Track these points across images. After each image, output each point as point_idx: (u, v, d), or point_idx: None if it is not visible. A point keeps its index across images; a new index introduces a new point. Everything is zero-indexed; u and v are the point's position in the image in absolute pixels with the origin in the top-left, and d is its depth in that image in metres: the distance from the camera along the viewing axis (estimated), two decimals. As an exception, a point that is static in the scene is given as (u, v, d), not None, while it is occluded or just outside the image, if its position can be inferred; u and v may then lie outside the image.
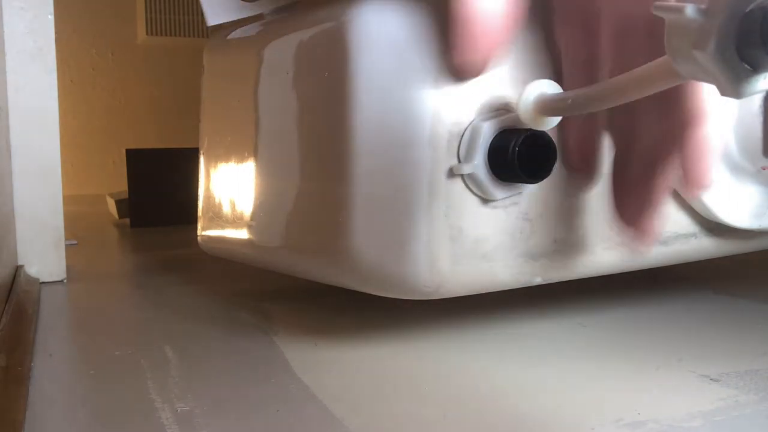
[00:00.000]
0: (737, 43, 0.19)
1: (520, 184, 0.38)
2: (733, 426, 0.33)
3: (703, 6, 0.20)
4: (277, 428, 0.34)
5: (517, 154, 0.36)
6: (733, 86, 0.20)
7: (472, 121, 0.38)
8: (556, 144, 0.37)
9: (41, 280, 0.69)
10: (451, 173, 0.38)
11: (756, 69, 0.19)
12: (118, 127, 2.20)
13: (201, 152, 0.60)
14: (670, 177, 0.33)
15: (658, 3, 0.22)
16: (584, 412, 0.35)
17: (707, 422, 0.33)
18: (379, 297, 0.44)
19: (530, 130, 0.36)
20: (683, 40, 0.21)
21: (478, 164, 0.37)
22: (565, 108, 0.33)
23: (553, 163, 0.37)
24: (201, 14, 0.58)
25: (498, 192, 0.38)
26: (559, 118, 0.35)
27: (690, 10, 0.20)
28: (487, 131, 0.37)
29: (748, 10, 0.19)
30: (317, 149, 0.44)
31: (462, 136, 0.38)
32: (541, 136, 0.36)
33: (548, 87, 0.34)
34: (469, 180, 0.38)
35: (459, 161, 0.38)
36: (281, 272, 0.52)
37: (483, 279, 0.40)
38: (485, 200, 0.39)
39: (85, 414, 0.36)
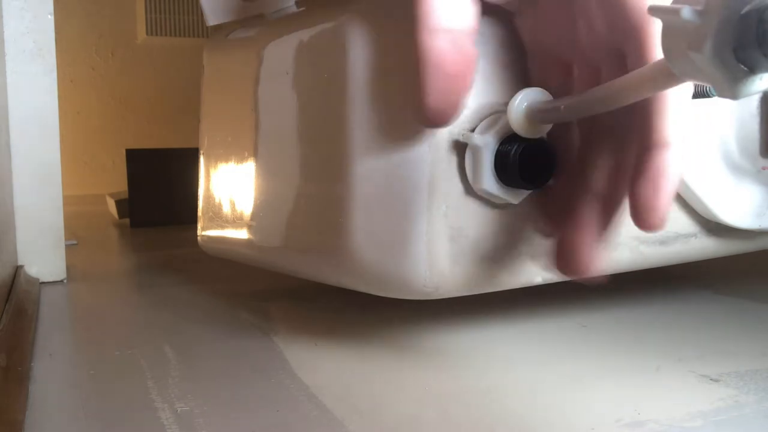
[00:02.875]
0: (733, 45, 0.19)
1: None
2: (733, 426, 0.33)
3: (699, 7, 0.20)
4: (277, 428, 0.34)
5: (517, 162, 0.35)
6: (729, 87, 0.20)
7: (473, 131, 0.37)
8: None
9: (41, 280, 0.69)
10: (472, 191, 0.38)
11: (752, 70, 0.19)
12: (118, 127, 2.20)
13: (201, 152, 0.60)
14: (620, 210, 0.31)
15: (653, 5, 0.22)
16: (584, 412, 0.35)
17: (707, 422, 0.33)
18: (379, 297, 0.44)
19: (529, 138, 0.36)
20: (679, 42, 0.21)
21: (489, 181, 0.37)
22: (558, 115, 0.33)
23: (553, 170, 0.36)
24: (201, 14, 0.58)
25: (514, 197, 0.38)
26: (549, 126, 0.35)
27: (686, 11, 0.20)
28: (488, 149, 0.36)
29: (744, 11, 0.19)
30: (317, 149, 0.44)
31: (464, 144, 0.38)
32: (541, 143, 0.36)
33: (539, 95, 0.34)
34: (485, 194, 0.38)
35: (465, 173, 0.38)
36: (281, 272, 0.52)
37: (483, 279, 0.40)
38: (485, 201, 0.39)
39: (85, 414, 0.36)
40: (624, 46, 0.29)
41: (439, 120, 0.31)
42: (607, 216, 0.32)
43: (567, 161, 0.36)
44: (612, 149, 0.32)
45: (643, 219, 0.28)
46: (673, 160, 0.28)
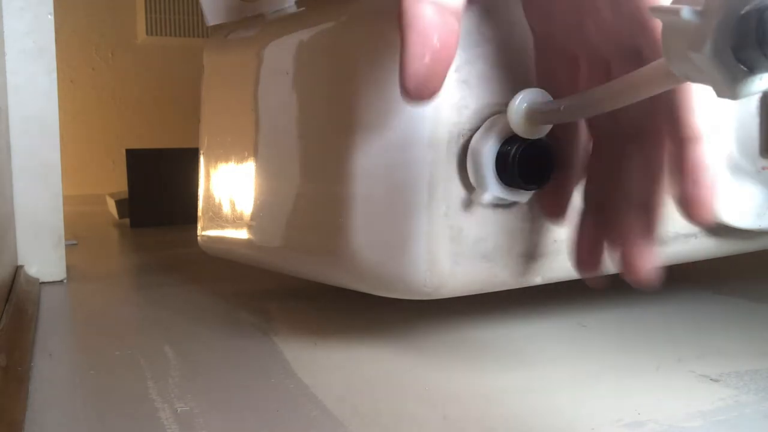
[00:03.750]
0: (733, 45, 0.19)
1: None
2: (733, 426, 0.33)
3: (698, 8, 0.20)
4: (277, 428, 0.34)
5: (516, 163, 0.35)
6: (729, 87, 0.20)
7: (473, 133, 0.37)
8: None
9: (41, 280, 0.69)
10: (472, 191, 0.38)
11: (752, 70, 0.19)
12: (118, 127, 2.20)
13: (201, 152, 0.60)
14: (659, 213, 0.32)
15: (654, 5, 0.22)
16: (584, 412, 0.35)
17: (707, 422, 0.33)
18: (379, 297, 0.44)
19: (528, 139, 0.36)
20: (679, 42, 0.21)
21: (491, 182, 0.37)
22: (558, 116, 0.33)
23: (552, 171, 0.37)
24: (201, 14, 0.58)
25: (515, 197, 0.38)
26: (549, 126, 0.35)
27: (686, 11, 0.20)
28: (490, 150, 0.36)
29: (743, 11, 0.19)
30: (317, 149, 0.44)
31: (464, 144, 0.38)
32: (540, 144, 0.36)
33: (538, 95, 0.34)
34: (486, 194, 0.38)
35: (465, 173, 0.38)
36: (281, 272, 0.52)
37: (483, 279, 0.40)
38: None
39: (85, 414, 0.36)
40: (638, 40, 0.29)
41: (421, 93, 0.30)
42: (651, 217, 0.33)
43: (591, 168, 0.36)
44: (641, 153, 0.33)
45: (691, 214, 0.29)
46: (707, 152, 0.29)
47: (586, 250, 0.36)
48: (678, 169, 0.29)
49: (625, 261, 0.33)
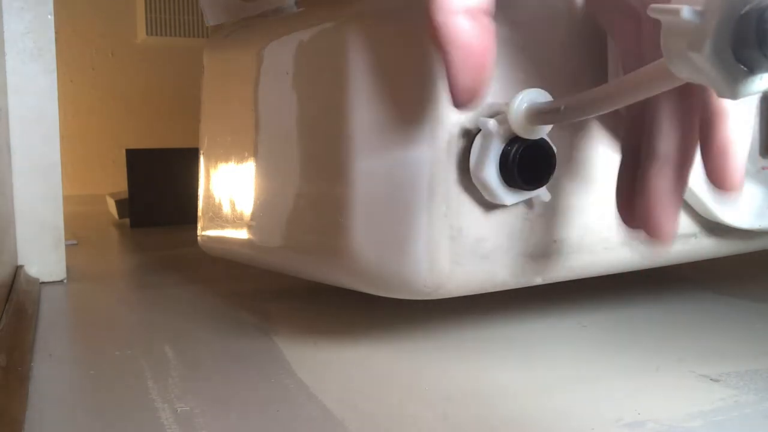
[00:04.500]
0: (733, 45, 0.19)
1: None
2: (733, 426, 0.33)
3: (698, 8, 0.20)
4: (277, 428, 0.34)
5: (516, 163, 0.36)
6: (729, 87, 0.20)
7: (473, 132, 0.37)
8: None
9: (41, 280, 0.69)
10: (472, 191, 0.38)
11: (752, 70, 0.19)
12: (118, 127, 2.20)
13: (201, 152, 0.60)
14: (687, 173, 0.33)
15: (653, 5, 0.22)
16: (584, 412, 0.35)
17: (707, 422, 0.33)
18: (379, 297, 0.44)
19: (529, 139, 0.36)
20: (679, 42, 0.21)
21: (494, 182, 0.37)
22: (558, 116, 0.33)
23: (553, 171, 0.37)
24: (201, 14, 0.58)
25: (516, 198, 0.38)
26: (549, 126, 0.35)
27: (686, 11, 0.20)
28: (494, 150, 0.36)
29: (743, 11, 0.19)
30: (317, 149, 0.44)
31: (464, 144, 0.38)
32: (541, 144, 0.36)
33: (539, 95, 0.34)
34: (489, 194, 0.38)
35: (465, 174, 0.38)
36: (281, 272, 0.52)
37: (483, 279, 0.40)
38: (486, 200, 0.39)
39: (85, 414, 0.36)
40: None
41: (473, 99, 0.31)
42: (679, 178, 0.33)
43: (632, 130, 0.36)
44: (679, 107, 0.33)
45: (719, 185, 0.30)
46: (732, 127, 0.29)
47: (624, 204, 0.36)
48: (706, 139, 0.29)
49: (647, 214, 0.33)
